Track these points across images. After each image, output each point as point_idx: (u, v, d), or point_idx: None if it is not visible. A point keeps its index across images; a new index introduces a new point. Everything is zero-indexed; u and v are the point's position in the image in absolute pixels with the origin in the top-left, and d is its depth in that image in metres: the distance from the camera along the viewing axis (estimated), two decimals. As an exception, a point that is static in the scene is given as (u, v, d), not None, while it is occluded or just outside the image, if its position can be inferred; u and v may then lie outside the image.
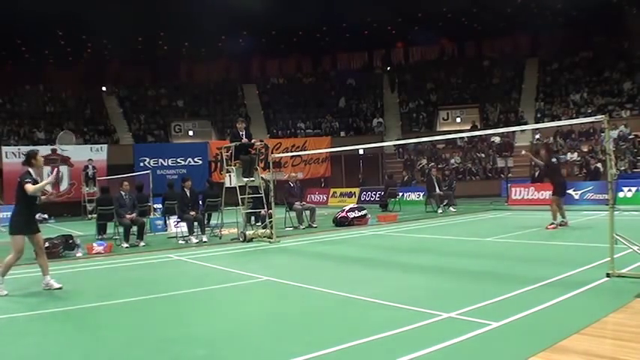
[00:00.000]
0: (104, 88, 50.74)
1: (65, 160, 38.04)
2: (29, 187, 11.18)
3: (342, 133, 46.37)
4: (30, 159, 11.86)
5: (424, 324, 7.63)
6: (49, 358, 7.24)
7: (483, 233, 18.71)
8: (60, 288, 11.54)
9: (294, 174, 28.95)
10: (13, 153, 37.11)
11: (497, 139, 41.31)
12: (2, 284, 11.35)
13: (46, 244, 16.84)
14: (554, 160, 20.39)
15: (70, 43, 47.11)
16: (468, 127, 44.04)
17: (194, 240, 19.61)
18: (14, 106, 46.30)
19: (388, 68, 54.16)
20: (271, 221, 19.42)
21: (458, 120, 46.99)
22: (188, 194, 20.31)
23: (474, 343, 6.75)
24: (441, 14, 46.03)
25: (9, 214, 31.23)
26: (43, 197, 12.17)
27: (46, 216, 34.72)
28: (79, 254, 17.28)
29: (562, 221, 19.00)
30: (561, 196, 19.44)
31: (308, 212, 23.75)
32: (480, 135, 40.05)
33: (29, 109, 46.15)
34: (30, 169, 11.60)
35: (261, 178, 20.86)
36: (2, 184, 34.23)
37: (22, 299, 11.19)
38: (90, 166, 35.54)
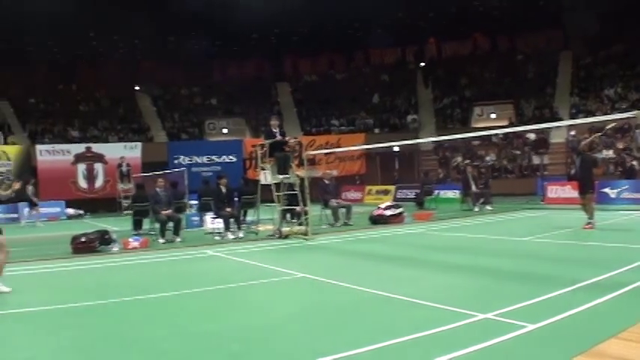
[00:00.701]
0: (137, 87, 50.87)
1: (99, 158, 38.28)
2: None
3: (377, 130, 46.06)
4: None
5: (460, 324, 7.46)
6: (85, 351, 7.22)
7: (519, 233, 18.36)
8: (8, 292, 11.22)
9: (328, 171, 28.71)
10: (47, 151, 37.49)
11: (532, 136, 40.78)
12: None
13: (82, 239, 16.93)
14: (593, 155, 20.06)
15: (102, 44, 47.31)
16: (502, 124, 43.30)
17: (230, 236, 19.53)
18: (48, 105, 46.64)
19: (421, 64, 53.72)
20: (307, 218, 19.37)
21: (492, 116, 46.40)
22: (224, 191, 20.20)
23: (511, 345, 6.60)
24: (473, 8, 45.63)
25: (48, 209, 31.65)
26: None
27: (82, 212, 34.97)
28: (115, 249, 17.25)
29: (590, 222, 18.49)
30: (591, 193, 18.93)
31: (344, 210, 23.47)
32: (515, 131, 39.55)
33: (63, 108, 46.41)
34: None
35: (296, 175, 20.66)
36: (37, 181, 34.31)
37: (59, 293, 11.18)
38: (124, 164, 35.69)
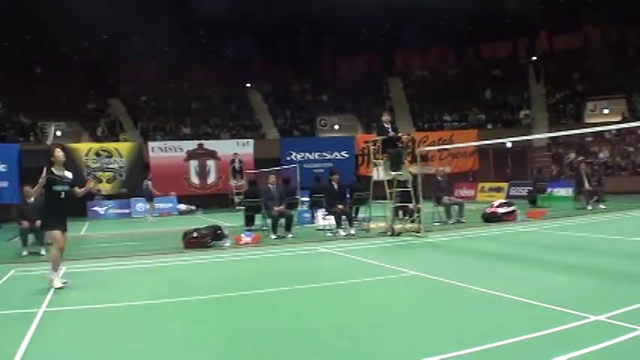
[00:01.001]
0: (248, 85, 51.19)
1: (212, 154, 38.66)
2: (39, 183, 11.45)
3: (489, 126, 45.25)
4: (49, 156, 11.74)
5: (571, 326, 7.22)
6: (195, 343, 7.31)
7: (635, 232, 17.67)
8: (61, 287, 11.33)
9: (441, 168, 28.32)
10: (159, 148, 38.01)
11: (646, 132, 39.46)
12: (57, 277, 11.42)
13: (194, 234, 17.03)
14: None
15: (213, 42, 47.86)
16: (615, 119, 41.85)
17: (342, 233, 19.35)
18: (159, 103, 47.45)
19: (533, 58, 52.55)
20: (419, 215, 19.07)
21: (605, 111, 44.88)
22: (336, 187, 20.01)
23: (623, 349, 6.32)
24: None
25: (161, 205, 32.12)
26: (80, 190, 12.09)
27: (193, 207, 35.41)
28: (227, 244, 17.40)
29: None
30: None
31: (456, 207, 23.16)
32: (629, 127, 38.27)
33: (174, 106, 47.20)
34: (52, 168, 11.53)
35: (409, 171, 20.31)
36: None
37: (170, 287, 11.31)
38: (236, 160, 35.95)
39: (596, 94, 45.23)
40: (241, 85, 50.56)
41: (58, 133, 39.88)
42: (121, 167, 37.14)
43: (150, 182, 31.34)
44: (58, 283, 11.17)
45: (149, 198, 31.50)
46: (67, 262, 14.39)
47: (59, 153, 11.61)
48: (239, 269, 13.71)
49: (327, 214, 20.43)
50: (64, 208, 11.61)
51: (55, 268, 11.40)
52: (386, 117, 20.55)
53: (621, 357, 6.13)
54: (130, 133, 42.32)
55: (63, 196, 11.39)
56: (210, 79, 49.77)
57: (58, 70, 45.43)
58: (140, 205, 34.64)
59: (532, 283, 10.39)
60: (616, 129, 36.40)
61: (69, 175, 11.52)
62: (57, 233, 11.44)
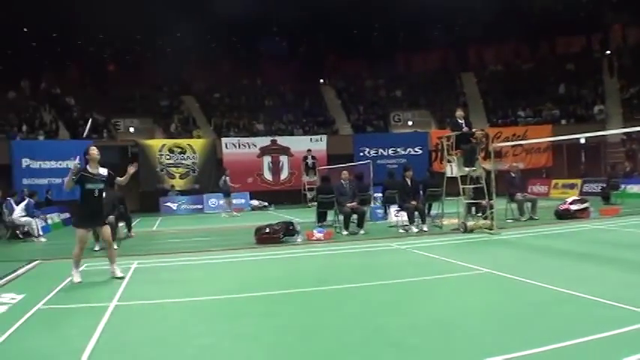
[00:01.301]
0: (322, 81, 51.20)
1: (285, 150, 38.78)
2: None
3: (563, 121, 44.44)
4: (84, 154, 11.93)
5: None
6: (265, 339, 7.32)
7: None
8: (122, 277, 11.72)
9: (515, 164, 27.95)
10: (232, 144, 38.36)
11: None
12: (77, 273, 11.62)
13: (267, 230, 17.04)
14: None
15: (286, 39, 48.02)
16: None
17: (414, 229, 19.19)
18: (233, 99, 47.79)
19: (607, 52, 51.58)
20: (492, 212, 18.79)
21: (680, 106, 44.15)
22: (409, 183, 19.85)
23: None
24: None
25: (233, 201, 32.37)
26: (123, 179, 12.26)
27: (265, 203, 35.57)
28: (298, 240, 17.43)
29: None
30: None
31: (529, 204, 22.80)
32: None
33: (248, 102, 47.53)
34: (87, 166, 11.74)
35: (482, 167, 20.05)
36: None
37: (241, 282, 11.29)
38: (309, 156, 36.03)
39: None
40: (314, 82, 50.71)
41: (132, 130, 40.43)
42: (194, 163, 37.69)
43: (227, 178, 31.47)
44: (77, 278, 11.38)
45: (227, 194, 31.63)
46: (138, 257, 14.58)
47: (94, 151, 11.80)
48: (310, 265, 13.67)
49: (400, 210, 20.22)
50: (96, 205, 11.79)
51: (76, 265, 11.56)
52: (460, 113, 20.35)
53: None
54: (203, 129, 42.75)
55: (96, 194, 11.57)
56: (284, 76, 49.91)
57: (131, 67, 46.24)
58: (213, 201, 34.96)
59: (604, 281, 10.20)
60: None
61: (103, 172, 11.65)
62: (81, 231, 11.66)
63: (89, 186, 11.43)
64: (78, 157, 12.10)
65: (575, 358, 6.11)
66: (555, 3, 43.56)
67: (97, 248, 16.61)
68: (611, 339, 6.55)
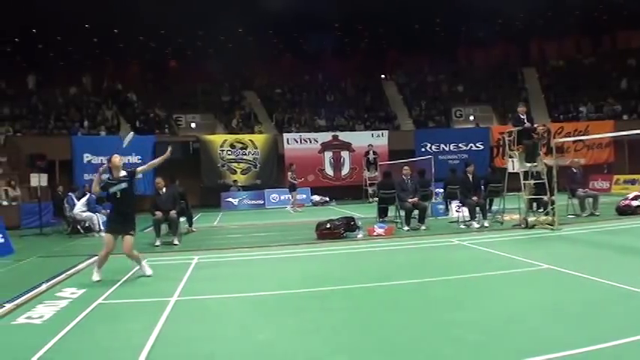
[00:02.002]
0: (383, 76, 51.14)
1: (346, 146, 38.79)
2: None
3: (625, 117, 43.83)
4: (107, 162, 12.32)
5: None
6: (325, 333, 7.39)
7: None
8: (150, 275, 11.74)
9: (576, 159, 27.69)
10: (294, 139, 38.45)
11: None
12: (97, 272, 11.62)
13: (327, 225, 17.11)
14: None
15: (347, 34, 47.99)
16: None
17: (475, 225, 19.15)
18: (294, 95, 47.89)
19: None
20: (553, 208, 18.68)
21: None
22: (470, 179, 19.73)
23: None
24: None
25: (302, 196, 32.43)
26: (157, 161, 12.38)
27: (327, 199, 35.60)
28: (359, 236, 17.41)
29: None
30: None
31: (591, 200, 22.54)
32: None
33: (309, 98, 47.63)
34: (110, 173, 12.11)
35: (544, 163, 19.86)
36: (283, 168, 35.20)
37: (302, 278, 11.41)
38: (371, 152, 36.01)
39: None
40: (376, 77, 50.73)
41: (193, 125, 40.79)
42: (255, 159, 37.84)
43: (291, 173, 31.55)
44: (96, 277, 11.43)
45: (292, 189, 31.70)
46: (200, 252, 14.69)
47: (116, 158, 12.06)
48: (371, 261, 13.66)
49: (461, 206, 20.20)
50: (121, 207, 11.89)
51: (98, 266, 11.63)
52: (521, 108, 20.26)
53: None
54: (264, 124, 42.92)
55: (119, 196, 11.70)
56: (345, 71, 49.87)
57: (192, 63, 46.57)
58: (274, 196, 35.12)
59: (668, 277, 10.15)
60: None
61: (124, 172, 11.74)
62: (108, 237, 11.73)
63: (111, 190, 11.70)
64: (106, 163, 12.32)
65: (631, 355, 6.09)
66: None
67: (157, 243, 16.78)
68: None
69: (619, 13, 46.58)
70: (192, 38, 44.83)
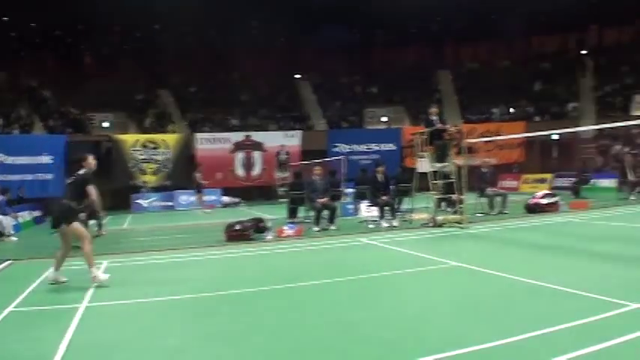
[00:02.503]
0: (297, 76, 51.25)
1: (258, 146, 38.81)
2: (92, 191, 11.40)
3: (537, 118, 45.02)
4: (81, 161, 11.87)
5: (613, 314, 7.40)
6: (234, 338, 7.39)
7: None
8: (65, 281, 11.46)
9: (487, 159, 28.25)
10: (206, 139, 38.30)
11: (691, 124, 39.24)
12: (99, 271, 11.36)
13: (237, 227, 17.15)
14: None
15: (263, 32, 47.98)
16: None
17: (385, 224, 19.41)
18: (208, 94, 47.51)
19: (583, 51, 52.14)
20: (462, 207, 19.18)
21: (655, 104, 44.74)
22: (380, 179, 20.02)
23: None
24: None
25: (206, 197, 32.21)
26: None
27: (237, 200, 35.57)
28: (269, 237, 17.46)
29: None
30: None
31: (500, 198, 23.14)
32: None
33: (223, 97, 47.25)
34: (86, 170, 11.74)
35: (454, 163, 20.27)
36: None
37: (210, 281, 11.38)
38: (283, 152, 36.09)
39: (646, 87, 44.88)
40: (291, 77, 50.72)
41: (106, 124, 40.37)
42: (166, 159, 37.51)
43: (199, 174, 31.44)
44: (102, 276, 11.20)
45: (198, 190, 31.58)
46: (109, 255, 14.60)
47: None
48: (281, 262, 13.77)
49: (371, 206, 20.44)
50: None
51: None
52: (433, 110, 20.61)
53: None
54: (178, 124, 42.65)
55: None
56: (260, 70, 49.82)
57: (107, 59, 46.01)
58: (184, 198, 34.93)
59: (573, 272, 10.57)
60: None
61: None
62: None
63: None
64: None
65: (547, 346, 6.26)
66: (532, 2, 43.84)
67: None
68: (581, 327, 6.87)
69: (534, 18, 47.60)
70: (107, 34, 44.37)
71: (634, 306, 7.59)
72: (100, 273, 11.18)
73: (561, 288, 8.93)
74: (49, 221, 12.55)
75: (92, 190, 11.24)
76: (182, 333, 7.66)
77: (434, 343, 6.59)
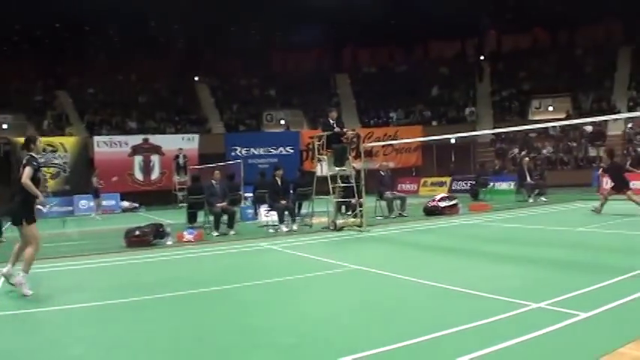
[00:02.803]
0: (196, 78, 51.10)
1: (156, 150, 38.47)
2: (28, 173, 10.66)
3: (434, 122, 45.80)
4: (29, 144, 11.25)
5: (513, 314, 7.58)
6: (138, 344, 7.34)
7: (574, 223, 18.37)
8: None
9: (385, 163, 28.65)
10: (104, 142, 37.76)
11: (589, 128, 40.63)
12: (25, 282, 10.70)
13: (137, 233, 17.03)
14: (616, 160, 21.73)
15: (162, 34, 47.73)
16: (560, 116, 42.78)
17: (284, 228, 19.53)
18: (106, 96, 47.01)
19: (481, 57, 53.36)
20: (362, 210, 19.35)
21: (550, 109, 46.02)
22: (279, 183, 20.10)
23: (563, 334, 6.69)
24: (533, 2, 45.29)
25: (104, 202, 31.75)
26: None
27: (136, 205, 35.17)
28: (169, 242, 17.36)
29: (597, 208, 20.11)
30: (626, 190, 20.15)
31: (398, 201, 23.53)
32: (572, 124, 39.08)
33: (121, 99, 46.88)
34: (32, 154, 11.06)
35: (352, 167, 20.53)
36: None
37: (112, 288, 11.22)
38: (181, 155, 35.86)
39: (542, 92, 46.24)
40: (189, 79, 50.49)
41: (5, 126, 39.51)
42: (65, 163, 36.79)
43: (95, 178, 31.04)
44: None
45: (95, 195, 31.17)
46: (6, 264, 14.32)
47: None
48: (181, 268, 13.67)
49: (270, 210, 20.48)
50: None
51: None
52: (331, 113, 20.78)
53: (563, 341, 6.45)
54: (76, 126, 41.93)
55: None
56: (159, 72, 49.54)
57: (6, 59, 44.84)
58: (84, 203, 34.33)
59: (474, 273, 10.81)
60: (560, 125, 37.47)
61: None
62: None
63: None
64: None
65: (448, 348, 6.40)
66: (432, 8, 44.57)
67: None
68: (483, 327, 7.04)
69: (432, 24, 48.37)
70: (7, 32, 43.42)
71: (533, 306, 7.82)
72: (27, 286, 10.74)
73: (461, 289, 9.13)
74: None
75: None
76: (86, 341, 7.50)
77: (338, 347, 6.66)
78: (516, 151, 40.93)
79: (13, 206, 11.17)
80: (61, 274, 13.29)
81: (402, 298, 9.05)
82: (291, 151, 41.07)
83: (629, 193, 19.89)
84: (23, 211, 10.86)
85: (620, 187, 20.15)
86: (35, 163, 10.88)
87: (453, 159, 43.44)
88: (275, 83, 51.71)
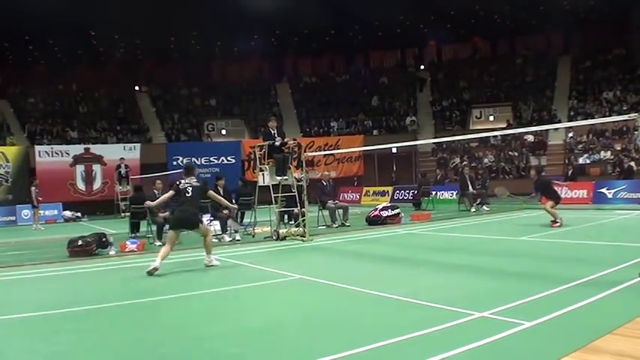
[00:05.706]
0: (137, 88, 50.96)
1: (98, 159, 38.22)
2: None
3: (375, 132, 46.19)
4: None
5: (457, 323, 7.65)
6: (80, 355, 7.30)
7: (516, 232, 18.67)
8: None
9: (327, 172, 28.84)
10: (46, 152, 37.36)
11: (530, 138, 41.23)
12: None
13: (79, 242, 16.94)
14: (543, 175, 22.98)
15: (103, 43, 47.46)
16: (501, 126, 43.37)
17: (227, 238, 19.62)
18: (47, 105, 46.75)
19: (421, 67, 53.99)
20: (304, 220, 19.41)
21: (491, 118, 46.80)
22: (221, 193, 20.10)
23: (506, 343, 6.77)
24: (473, 12, 45.85)
25: (46, 212, 31.45)
26: None
27: (79, 214, 34.89)
28: (112, 252, 17.28)
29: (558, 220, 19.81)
30: (557, 202, 20.62)
31: (341, 211, 23.70)
32: (513, 133, 39.68)
33: (62, 108, 46.58)
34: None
35: (294, 176, 20.70)
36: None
37: (55, 298, 11.14)
38: (122, 165, 35.68)
39: (483, 102, 46.88)
40: (130, 88, 50.29)
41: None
42: (7, 172, 36.35)
43: (34, 188, 30.74)
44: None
45: (34, 205, 30.90)
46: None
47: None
48: (124, 277, 13.59)
49: (212, 220, 20.49)
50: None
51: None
52: (272, 123, 20.94)
53: (506, 350, 6.58)
54: (17, 136, 41.47)
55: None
56: (99, 82, 49.21)
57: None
58: (26, 212, 33.98)
59: (417, 283, 10.90)
60: (501, 135, 38.08)
61: None
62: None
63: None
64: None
65: (391, 357, 6.53)
66: (372, 18, 44.92)
67: None
68: (426, 337, 7.13)
69: (372, 34, 48.84)
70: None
71: (477, 315, 7.92)
72: None
73: (404, 299, 9.22)
74: None
75: None
76: (27, 353, 7.50)
77: (281, 357, 6.79)
78: (457, 160, 41.30)
79: None
80: (3, 284, 13.18)
81: (345, 308, 9.12)
82: (233, 160, 40.93)
83: (549, 203, 20.34)
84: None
85: (552, 199, 20.49)
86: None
87: (394, 168, 43.75)
88: (216, 93, 51.77)
